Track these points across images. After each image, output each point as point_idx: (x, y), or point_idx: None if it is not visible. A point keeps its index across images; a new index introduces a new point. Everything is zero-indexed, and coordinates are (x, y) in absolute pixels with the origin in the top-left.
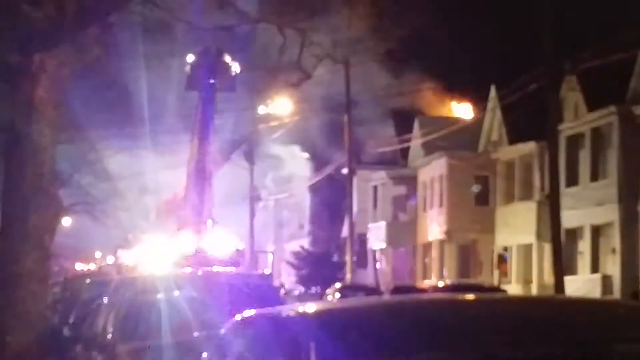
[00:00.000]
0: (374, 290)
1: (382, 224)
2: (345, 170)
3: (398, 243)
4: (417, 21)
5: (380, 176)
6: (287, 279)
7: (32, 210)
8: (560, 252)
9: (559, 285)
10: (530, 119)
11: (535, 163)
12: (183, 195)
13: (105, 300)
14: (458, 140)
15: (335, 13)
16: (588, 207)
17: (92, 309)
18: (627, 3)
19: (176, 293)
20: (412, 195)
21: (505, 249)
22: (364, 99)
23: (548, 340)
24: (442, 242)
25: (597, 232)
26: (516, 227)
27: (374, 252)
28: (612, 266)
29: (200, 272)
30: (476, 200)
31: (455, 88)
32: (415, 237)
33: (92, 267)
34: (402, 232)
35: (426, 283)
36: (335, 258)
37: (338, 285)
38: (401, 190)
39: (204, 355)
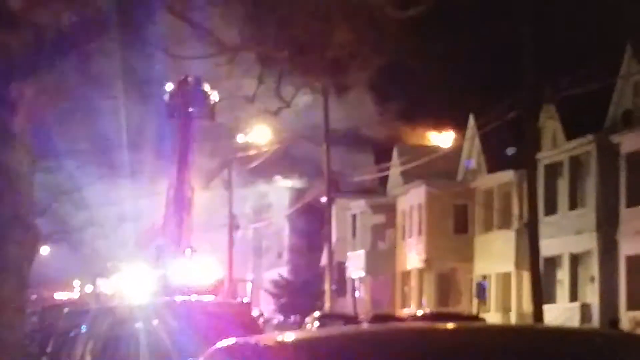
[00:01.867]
0: (353, 319)
1: (361, 253)
2: (324, 199)
3: (377, 272)
4: (395, 49)
5: (359, 205)
6: (266, 307)
7: (10, 239)
8: (539, 280)
9: (538, 314)
10: (509, 148)
11: (513, 192)
12: (162, 224)
13: (84, 329)
14: (437, 169)
15: (314, 42)
16: (567, 236)
17: (70, 338)
18: (604, 33)
19: (155, 322)
20: (391, 224)
21: (484, 277)
22: (342, 127)
23: None
24: (421, 271)
25: (575, 260)
26: (495, 255)
27: (353, 280)
28: (591, 294)
29: (178, 301)
30: (455, 228)
31: (434, 116)
32: (394, 265)
33: (70, 296)
34: (381, 260)
35: (405, 312)
36: (314, 287)
37: (317, 314)
38: (380, 218)
39: None
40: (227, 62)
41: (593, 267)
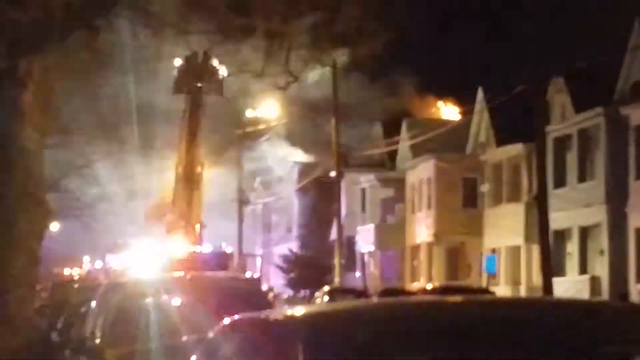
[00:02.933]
0: (363, 293)
1: (371, 227)
2: (333, 173)
3: (386, 246)
4: (405, 24)
5: (368, 179)
6: (276, 282)
7: (20, 215)
8: (549, 253)
9: (548, 287)
10: (518, 121)
11: (523, 165)
12: (171, 200)
13: (94, 305)
14: (446, 143)
15: (323, 16)
16: (576, 209)
17: (81, 313)
18: (613, 5)
19: (164, 297)
20: (400, 198)
21: (494, 251)
22: (351, 102)
23: (537, 342)
24: (430, 245)
25: (585, 233)
26: (504, 229)
27: (363, 255)
28: (601, 267)
29: (188, 276)
30: (464, 202)
31: (443, 90)
32: (403, 239)
33: (80, 271)
34: (391, 234)
35: (415, 285)
36: (323, 261)
37: (327, 288)
38: (389, 192)
39: (193, 359)
40: (235, 37)
41: (602, 240)
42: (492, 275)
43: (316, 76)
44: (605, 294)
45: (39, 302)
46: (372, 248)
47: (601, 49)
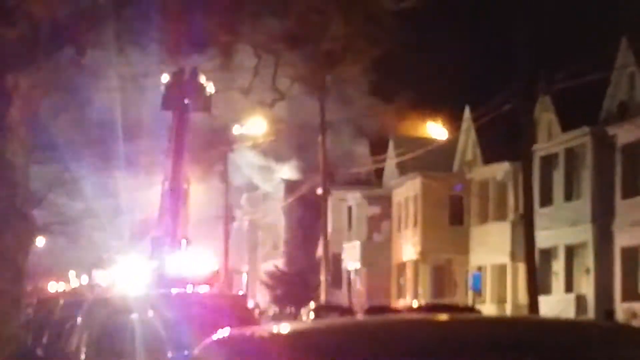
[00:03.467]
0: (349, 311)
1: (357, 244)
2: (319, 191)
3: (373, 263)
4: (391, 42)
5: (354, 196)
6: (262, 299)
7: (5, 231)
8: (535, 272)
9: (533, 305)
10: (504, 140)
11: (509, 183)
12: (157, 216)
13: (79, 320)
14: (432, 161)
15: (310, 35)
16: (562, 227)
17: (66, 329)
18: (599, 24)
19: (150, 313)
20: (386, 215)
21: (480, 269)
22: (338, 119)
23: None
24: (416, 262)
25: (571, 252)
26: (490, 247)
27: (349, 272)
28: (587, 286)
29: (174, 293)
30: (450, 220)
31: (430, 109)
32: (389, 257)
33: (66, 287)
34: (377, 252)
35: (401, 303)
36: (309, 278)
37: (312, 305)
38: (376, 210)
39: None
40: (222, 54)
41: (588, 259)
42: (478, 293)
43: (303, 93)
44: (591, 313)
45: (24, 317)
46: (358, 265)
47: (588, 67)
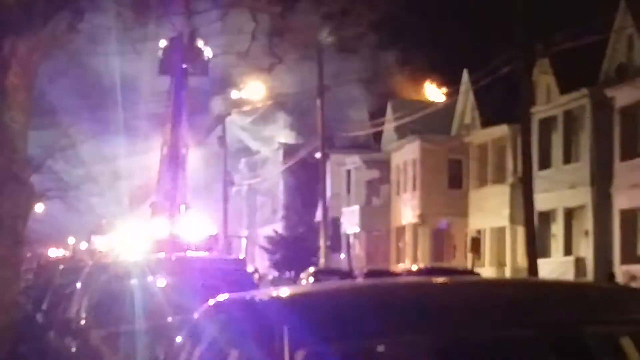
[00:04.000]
0: (348, 274)
1: (356, 208)
2: (318, 155)
3: (371, 227)
4: (389, 5)
5: (353, 160)
6: (261, 263)
7: (4, 197)
8: (534, 235)
9: (533, 268)
10: (503, 102)
11: (508, 146)
12: (156, 181)
13: (79, 286)
14: (431, 124)
15: None
16: (561, 190)
17: (66, 295)
18: None
19: (149, 278)
20: (385, 179)
21: (479, 232)
22: (336, 82)
23: (521, 323)
24: (415, 226)
25: (570, 214)
26: (489, 210)
27: (348, 236)
28: (585, 248)
29: (173, 257)
30: (449, 183)
31: (428, 72)
32: (388, 221)
33: (65, 253)
34: (376, 216)
35: (400, 267)
36: (308, 242)
37: (312, 269)
38: (374, 174)
39: (178, 340)
40: (220, 18)
41: (587, 221)
42: (477, 255)
43: (301, 58)
44: (590, 275)
45: (23, 283)
46: (357, 229)
47: (586, 29)
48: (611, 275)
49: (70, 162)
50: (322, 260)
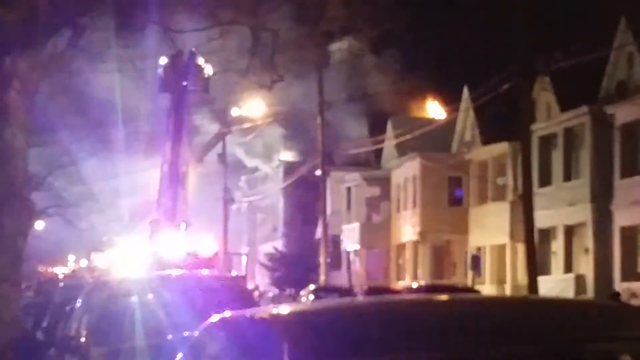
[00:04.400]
0: (348, 292)
1: (356, 225)
2: (318, 172)
3: (372, 244)
4: (389, 23)
5: (353, 177)
6: (261, 281)
7: (4, 214)
8: (534, 252)
9: (533, 285)
10: (503, 120)
11: (508, 163)
12: (156, 198)
13: (79, 303)
14: (431, 142)
15: (308, 15)
16: (561, 207)
17: (66, 312)
18: (598, 4)
19: (150, 296)
20: (385, 196)
21: (479, 249)
22: (337, 100)
23: (521, 341)
24: (415, 243)
25: (570, 232)
26: (490, 227)
27: (348, 253)
28: (586, 266)
29: (173, 275)
30: (449, 201)
31: (428, 89)
32: (389, 238)
33: (65, 270)
34: (376, 233)
35: (400, 284)
36: (309, 260)
37: (312, 286)
38: (375, 191)
39: (178, 357)
40: (221, 35)
41: (587, 239)
42: (478, 273)
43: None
44: (590, 293)
45: (23, 300)
46: (357, 247)
47: (587, 47)
48: (616, 294)
49: (71, 180)
50: (322, 278)
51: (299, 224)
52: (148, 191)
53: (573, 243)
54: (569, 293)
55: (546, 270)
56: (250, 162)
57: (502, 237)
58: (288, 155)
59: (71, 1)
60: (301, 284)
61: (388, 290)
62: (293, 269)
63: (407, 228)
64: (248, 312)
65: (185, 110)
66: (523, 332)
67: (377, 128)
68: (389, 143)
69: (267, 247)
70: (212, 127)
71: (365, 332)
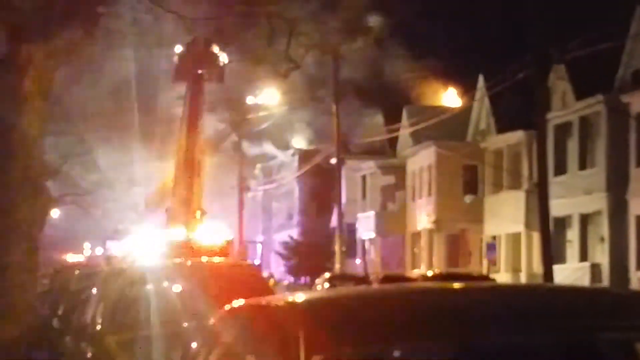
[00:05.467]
0: (364, 280)
1: (371, 214)
2: (333, 160)
3: (387, 233)
4: (404, 10)
5: (368, 166)
6: (277, 269)
7: (20, 202)
8: (549, 240)
9: (548, 274)
10: (518, 108)
11: (523, 152)
12: (172, 186)
13: (95, 291)
14: (446, 130)
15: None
16: (576, 196)
17: (81, 300)
18: None
19: (165, 284)
20: (400, 185)
21: (494, 238)
22: (352, 88)
23: (537, 329)
24: (431, 232)
25: (585, 220)
26: (505, 216)
27: (363, 241)
28: (601, 254)
29: (189, 263)
30: (465, 189)
31: (444, 77)
32: (404, 226)
33: (81, 258)
34: (391, 221)
35: (415, 272)
36: (324, 248)
37: (327, 275)
38: (390, 180)
39: (193, 345)
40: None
41: (603, 227)
42: (493, 261)
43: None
44: (605, 281)
45: (40, 288)
46: (372, 235)
47: (602, 35)
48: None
49: (86, 168)
50: (337, 266)
51: (314, 213)
52: (163, 179)
53: (588, 232)
54: (585, 282)
55: (561, 259)
56: (265, 150)
57: (518, 226)
58: (303, 144)
59: None
60: (316, 273)
61: (403, 279)
62: (308, 258)
63: (422, 216)
64: (263, 300)
65: (200, 98)
66: (539, 320)
67: (392, 116)
68: (404, 131)
69: (283, 236)
70: (227, 115)
71: (380, 320)
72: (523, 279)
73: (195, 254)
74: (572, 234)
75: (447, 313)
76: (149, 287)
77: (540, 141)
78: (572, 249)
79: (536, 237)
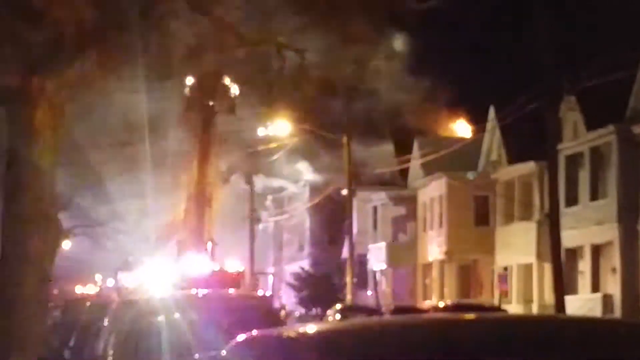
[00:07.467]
0: (375, 311)
1: (382, 245)
2: (344, 191)
3: (398, 264)
4: (415, 42)
5: (380, 197)
6: (288, 300)
7: (32, 234)
8: (561, 271)
9: (560, 305)
10: (530, 139)
11: (534, 183)
12: (183, 218)
13: (106, 323)
14: (457, 161)
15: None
16: (588, 227)
17: (93, 332)
18: (625, 23)
19: (176, 315)
20: (412, 216)
21: (506, 269)
22: (362, 119)
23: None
24: (442, 263)
25: (597, 251)
26: (516, 247)
27: (374, 273)
28: (613, 285)
29: (200, 294)
30: (476, 220)
31: (455, 108)
32: (415, 257)
33: (92, 290)
34: (403, 252)
35: (427, 303)
36: (335, 279)
37: (339, 306)
38: (401, 210)
39: None
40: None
41: (614, 258)
42: (505, 292)
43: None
44: (617, 312)
45: (51, 320)
46: (383, 266)
47: (613, 66)
48: None
49: (98, 199)
50: (348, 297)
51: (325, 244)
52: (175, 211)
53: (600, 262)
54: (597, 312)
55: (573, 290)
56: (276, 182)
57: (529, 257)
58: (314, 175)
59: (98, 22)
60: (328, 304)
61: (415, 310)
62: (319, 289)
63: (434, 247)
64: (275, 331)
65: (212, 130)
66: (551, 351)
67: (403, 147)
68: (415, 162)
69: (294, 267)
70: (238, 147)
71: (391, 352)
72: (535, 309)
73: (206, 285)
74: (584, 265)
75: (461, 345)
76: (160, 318)
77: (551, 172)
78: (584, 280)
79: (548, 268)
